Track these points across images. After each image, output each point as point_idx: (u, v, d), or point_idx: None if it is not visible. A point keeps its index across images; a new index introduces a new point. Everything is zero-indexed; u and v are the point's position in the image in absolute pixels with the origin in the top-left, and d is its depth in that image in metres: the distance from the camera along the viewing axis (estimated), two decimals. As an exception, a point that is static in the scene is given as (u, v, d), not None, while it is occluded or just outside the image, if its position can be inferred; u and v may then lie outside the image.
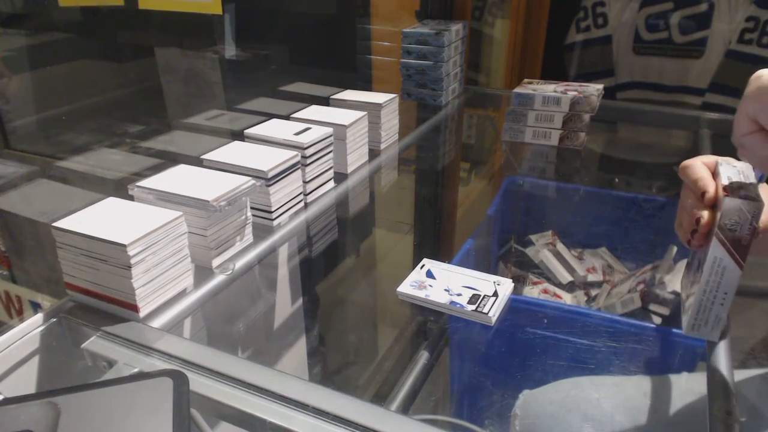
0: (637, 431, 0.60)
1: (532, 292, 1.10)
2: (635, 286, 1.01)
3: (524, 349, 0.79)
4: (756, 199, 0.45)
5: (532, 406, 0.68)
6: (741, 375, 0.53)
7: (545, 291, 1.10)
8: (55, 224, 0.55)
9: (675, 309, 0.95)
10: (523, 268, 1.17)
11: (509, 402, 0.71)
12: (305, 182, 0.80)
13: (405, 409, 0.71)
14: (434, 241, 1.10)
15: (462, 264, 0.73)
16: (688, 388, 0.63)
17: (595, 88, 1.11)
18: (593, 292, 1.11)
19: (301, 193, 0.79)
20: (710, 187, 0.49)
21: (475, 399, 0.88)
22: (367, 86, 1.32)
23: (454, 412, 0.90)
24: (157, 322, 0.57)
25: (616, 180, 1.20)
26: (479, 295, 0.66)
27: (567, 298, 1.09)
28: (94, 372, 0.53)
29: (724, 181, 0.48)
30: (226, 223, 0.65)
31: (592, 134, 1.11)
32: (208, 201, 0.61)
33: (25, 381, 0.56)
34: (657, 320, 0.95)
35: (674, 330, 0.77)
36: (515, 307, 0.76)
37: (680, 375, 0.65)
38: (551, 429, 0.64)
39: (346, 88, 1.02)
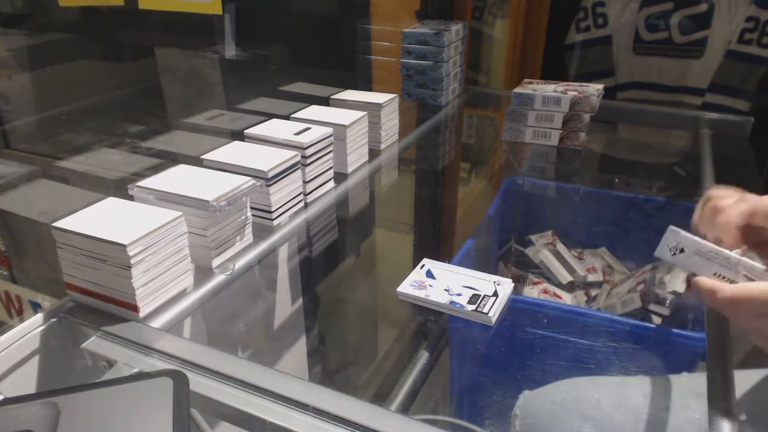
0: (637, 431, 0.60)
1: (532, 292, 1.10)
2: (635, 286, 1.01)
3: (524, 349, 0.79)
4: None
5: (532, 407, 0.68)
6: (741, 375, 0.53)
7: (545, 291, 1.10)
8: (55, 224, 0.55)
9: (675, 309, 0.95)
10: (523, 268, 1.17)
11: (509, 402, 0.71)
12: (305, 182, 0.80)
13: (405, 409, 0.71)
14: (434, 241, 1.10)
15: (462, 264, 0.73)
16: (688, 388, 0.63)
17: (595, 88, 1.11)
18: (593, 292, 1.11)
19: (301, 193, 0.79)
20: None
21: (475, 399, 0.88)
22: (367, 86, 1.32)
23: (454, 412, 0.90)
24: (157, 322, 0.57)
25: (616, 180, 1.20)
26: (479, 295, 0.66)
27: (567, 298, 1.09)
28: (94, 372, 0.53)
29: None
30: (226, 223, 0.65)
31: (592, 134, 1.11)
32: (208, 201, 0.61)
33: (25, 381, 0.56)
34: (657, 320, 0.95)
35: (674, 330, 0.77)
36: (515, 307, 0.76)
37: (680, 375, 0.65)
38: (551, 429, 0.64)
39: (346, 88, 1.02)
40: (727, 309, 0.47)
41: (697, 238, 0.51)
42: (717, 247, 0.50)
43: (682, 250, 0.52)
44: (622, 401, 0.63)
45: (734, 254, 0.49)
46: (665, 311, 0.95)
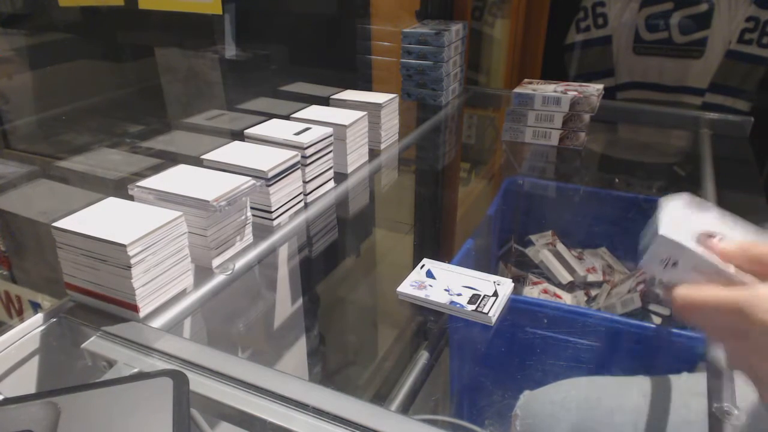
0: (637, 431, 0.60)
1: (532, 292, 1.10)
2: (635, 286, 1.01)
3: (524, 349, 0.79)
4: None
5: (532, 407, 0.68)
6: (741, 375, 0.53)
7: (545, 291, 1.10)
8: (55, 224, 0.55)
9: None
10: (523, 268, 1.17)
11: (509, 402, 0.71)
12: (305, 182, 0.80)
13: (405, 409, 0.71)
14: (434, 241, 1.10)
15: (462, 264, 0.73)
16: (688, 388, 0.63)
17: (595, 88, 1.11)
18: (593, 292, 1.11)
19: (301, 193, 0.79)
20: None
21: (476, 399, 0.88)
22: (367, 86, 1.32)
23: (455, 412, 0.90)
24: (157, 322, 0.57)
25: (616, 180, 1.20)
26: (479, 295, 0.66)
27: (567, 298, 1.09)
28: (94, 372, 0.53)
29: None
30: (226, 223, 0.65)
31: (592, 134, 1.11)
32: (208, 201, 0.61)
33: (25, 381, 0.56)
34: (657, 320, 0.95)
35: (674, 330, 0.77)
36: (515, 307, 0.76)
37: (680, 375, 0.65)
38: (551, 429, 0.64)
39: (346, 88, 1.02)
40: (685, 318, 0.38)
41: (695, 249, 0.39)
42: (721, 263, 0.38)
43: (675, 264, 0.40)
44: (622, 401, 0.63)
45: (739, 273, 0.38)
46: (665, 311, 0.95)
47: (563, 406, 0.65)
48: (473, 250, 0.92)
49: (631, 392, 0.64)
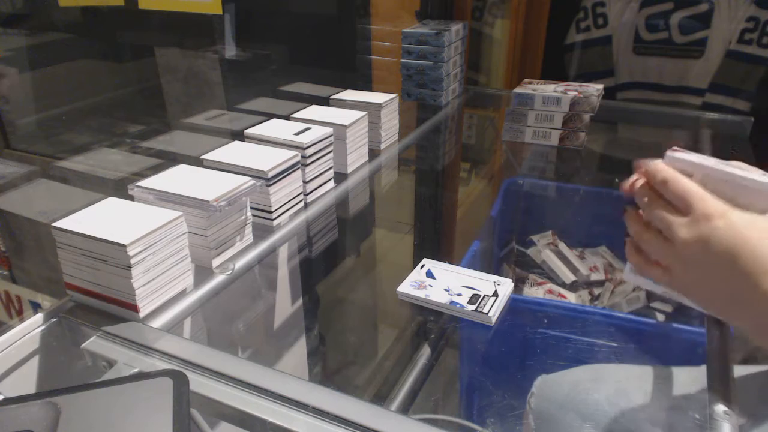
0: (647, 416, 0.60)
1: (537, 292, 1.10)
2: (637, 285, 1.01)
3: (529, 348, 0.79)
4: None
5: (549, 387, 0.69)
6: (741, 374, 0.53)
7: (550, 291, 1.10)
8: (55, 224, 0.55)
9: (678, 306, 0.95)
10: (523, 269, 1.17)
11: (511, 403, 0.71)
12: (305, 182, 0.80)
13: (405, 409, 0.71)
14: (434, 241, 1.10)
15: (469, 266, 0.73)
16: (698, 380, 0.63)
17: (595, 88, 1.11)
18: (596, 291, 1.11)
19: (301, 193, 0.79)
20: None
21: (486, 398, 0.88)
22: (367, 86, 1.32)
23: (463, 411, 0.91)
24: (157, 322, 0.57)
25: (616, 180, 1.20)
26: (479, 295, 0.66)
27: (571, 298, 1.09)
28: (94, 372, 0.53)
29: None
30: (226, 223, 0.65)
31: (592, 134, 1.11)
32: (208, 201, 0.61)
33: (25, 381, 0.56)
34: (660, 317, 0.96)
35: (688, 327, 0.77)
36: (523, 307, 0.76)
37: (701, 367, 0.65)
38: (564, 408, 0.65)
39: (346, 88, 1.02)
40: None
41: (701, 159, 0.39)
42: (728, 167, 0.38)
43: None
44: (634, 385, 0.63)
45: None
46: (669, 308, 0.95)
47: (577, 387, 0.66)
48: (477, 252, 0.92)
49: (645, 379, 0.64)
